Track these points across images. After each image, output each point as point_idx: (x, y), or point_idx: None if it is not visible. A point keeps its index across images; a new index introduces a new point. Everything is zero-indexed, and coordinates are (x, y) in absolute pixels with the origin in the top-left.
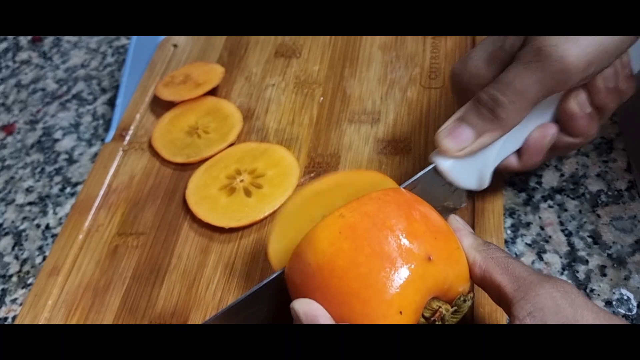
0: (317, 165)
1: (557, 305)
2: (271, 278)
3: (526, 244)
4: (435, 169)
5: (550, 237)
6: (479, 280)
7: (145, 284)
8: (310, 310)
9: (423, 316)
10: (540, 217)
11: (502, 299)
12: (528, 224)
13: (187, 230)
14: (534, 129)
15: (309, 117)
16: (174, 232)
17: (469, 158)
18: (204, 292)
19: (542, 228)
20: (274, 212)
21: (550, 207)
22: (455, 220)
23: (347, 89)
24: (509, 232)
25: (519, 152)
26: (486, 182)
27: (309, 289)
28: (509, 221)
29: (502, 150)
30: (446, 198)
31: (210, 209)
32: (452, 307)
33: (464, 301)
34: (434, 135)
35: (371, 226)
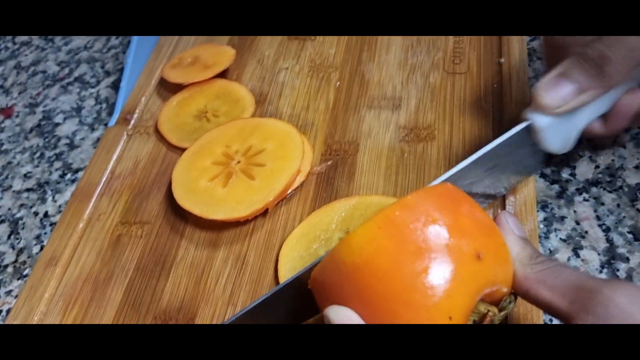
0: (335, 153)
1: (625, 313)
2: (287, 282)
3: (561, 239)
4: (528, 128)
5: (586, 232)
6: (522, 295)
7: (149, 277)
8: (349, 320)
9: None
10: (575, 211)
11: (556, 314)
12: (562, 218)
13: (195, 220)
14: (624, 93)
15: (325, 102)
16: (181, 222)
17: (562, 117)
18: (213, 286)
19: (577, 223)
20: (287, 192)
21: (585, 200)
22: (505, 220)
23: (365, 73)
24: (541, 226)
25: (604, 117)
26: (570, 145)
27: (342, 293)
28: (542, 215)
29: (591, 112)
30: (522, 163)
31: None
32: (499, 310)
33: (509, 302)
34: (532, 89)
35: (414, 220)
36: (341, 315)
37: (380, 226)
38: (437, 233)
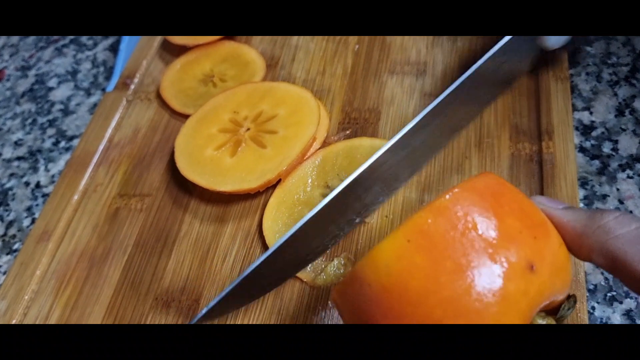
0: (354, 121)
1: None
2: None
3: None
4: None
5: (631, 212)
6: (605, 269)
7: (150, 254)
8: None
9: None
10: (618, 189)
11: None
12: (604, 196)
13: (200, 192)
14: None
15: (342, 67)
16: (185, 194)
17: None
18: (220, 265)
19: (621, 202)
20: (302, 162)
21: (629, 177)
22: (540, 202)
23: (386, 36)
24: (581, 204)
25: None
26: (565, 40)
27: (369, 316)
28: (582, 192)
29: None
30: (514, 64)
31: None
32: (557, 319)
33: (568, 309)
34: None
35: (451, 229)
36: None
37: (410, 238)
38: (480, 243)
